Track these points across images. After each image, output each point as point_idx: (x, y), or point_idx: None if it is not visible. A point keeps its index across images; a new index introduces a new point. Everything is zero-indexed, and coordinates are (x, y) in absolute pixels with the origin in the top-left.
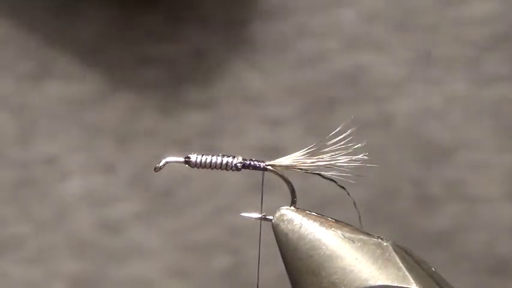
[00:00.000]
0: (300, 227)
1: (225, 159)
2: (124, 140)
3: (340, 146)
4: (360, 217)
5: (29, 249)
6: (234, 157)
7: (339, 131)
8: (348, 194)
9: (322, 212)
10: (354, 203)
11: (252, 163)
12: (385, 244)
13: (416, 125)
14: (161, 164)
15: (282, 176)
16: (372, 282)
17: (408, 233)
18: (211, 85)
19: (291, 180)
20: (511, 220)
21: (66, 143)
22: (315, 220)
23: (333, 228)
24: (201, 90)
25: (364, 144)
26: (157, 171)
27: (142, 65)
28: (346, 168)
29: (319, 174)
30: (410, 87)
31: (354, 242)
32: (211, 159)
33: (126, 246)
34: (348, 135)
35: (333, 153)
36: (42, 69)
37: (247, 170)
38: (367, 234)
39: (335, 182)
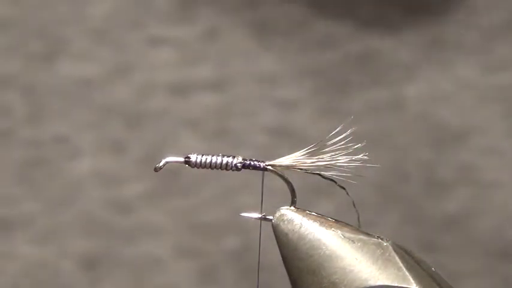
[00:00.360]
0: (300, 227)
1: (225, 159)
2: (134, 119)
3: (340, 146)
4: (358, 217)
5: (39, 228)
6: (234, 157)
7: (339, 130)
8: (348, 194)
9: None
10: (353, 202)
11: (252, 163)
12: (385, 244)
13: (427, 109)
14: (161, 164)
15: (282, 176)
16: (372, 282)
17: (418, 216)
18: (223, 66)
19: (291, 180)
20: None
21: (76, 122)
22: (315, 220)
23: (333, 228)
24: (212, 70)
25: (364, 144)
26: (157, 171)
27: (153, 45)
28: (346, 168)
29: (319, 174)
30: (422, 71)
31: (354, 242)
32: (211, 160)
33: (135, 225)
34: (348, 135)
35: (333, 153)
36: (52, 48)
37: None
38: (367, 234)
39: (335, 182)
